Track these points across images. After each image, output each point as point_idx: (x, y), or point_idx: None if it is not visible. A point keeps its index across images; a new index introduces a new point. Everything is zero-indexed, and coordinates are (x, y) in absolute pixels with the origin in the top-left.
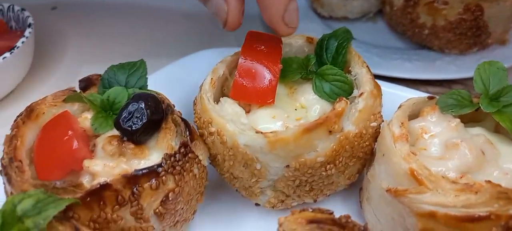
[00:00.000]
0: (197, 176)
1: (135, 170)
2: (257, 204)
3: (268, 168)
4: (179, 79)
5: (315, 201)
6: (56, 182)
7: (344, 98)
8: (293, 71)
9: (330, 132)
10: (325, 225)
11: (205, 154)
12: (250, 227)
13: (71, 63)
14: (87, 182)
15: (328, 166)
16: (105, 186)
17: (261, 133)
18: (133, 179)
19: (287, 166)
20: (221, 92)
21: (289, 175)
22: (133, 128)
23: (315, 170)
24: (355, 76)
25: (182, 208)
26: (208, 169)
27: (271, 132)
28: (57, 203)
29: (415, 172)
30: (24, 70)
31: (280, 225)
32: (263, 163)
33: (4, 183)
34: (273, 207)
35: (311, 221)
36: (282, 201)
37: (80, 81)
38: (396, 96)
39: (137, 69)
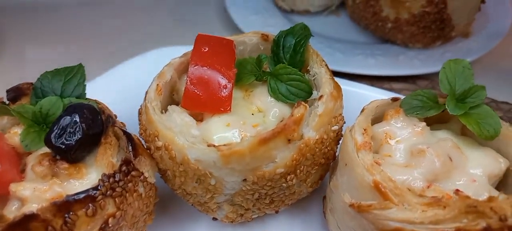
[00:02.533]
0: (143, 195)
1: (67, 196)
2: (214, 219)
3: (223, 183)
4: (124, 84)
5: (276, 212)
6: None
7: (303, 103)
8: (247, 74)
9: (289, 140)
10: None
11: (152, 170)
12: None
13: (5, 69)
14: (15, 210)
15: (288, 177)
16: (31, 217)
17: (214, 146)
18: (64, 206)
19: (244, 180)
20: (170, 97)
21: (247, 188)
22: (66, 145)
23: (274, 182)
24: (314, 76)
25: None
26: (160, 183)
27: (224, 145)
28: None
29: (379, 185)
30: None
31: None
32: (218, 178)
33: None
34: (232, 222)
35: None
36: (242, 215)
37: (7, 91)
38: (358, 95)
39: (74, 75)
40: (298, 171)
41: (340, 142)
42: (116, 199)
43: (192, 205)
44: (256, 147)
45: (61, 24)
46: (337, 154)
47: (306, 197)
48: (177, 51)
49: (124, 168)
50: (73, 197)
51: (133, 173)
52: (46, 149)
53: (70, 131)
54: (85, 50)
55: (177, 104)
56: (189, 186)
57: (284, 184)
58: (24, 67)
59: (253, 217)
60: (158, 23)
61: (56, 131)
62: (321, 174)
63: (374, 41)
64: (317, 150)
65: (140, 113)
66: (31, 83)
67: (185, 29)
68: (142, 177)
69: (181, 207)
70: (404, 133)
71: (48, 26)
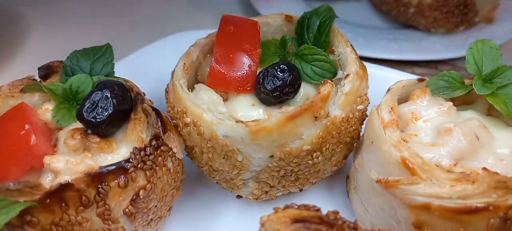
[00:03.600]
0: (172, 170)
1: (100, 167)
2: (238, 196)
3: (250, 159)
4: (149, 65)
5: (300, 190)
6: (10, 183)
7: (329, 81)
8: (271, 54)
9: (315, 117)
10: (311, 224)
11: (180, 146)
12: (232, 221)
13: (32, 50)
14: (48, 182)
15: (314, 154)
16: (66, 186)
17: (242, 122)
18: (98, 177)
19: (271, 156)
20: (195, 78)
21: (273, 165)
22: (98, 119)
23: (300, 158)
24: (339, 56)
25: (156, 206)
26: (185, 161)
27: (252, 121)
28: (10, 208)
29: (407, 161)
30: None
31: (262, 225)
32: (245, 154)
33: None
34: (257, 199)
35: (296, 220)
36: (266, 192)
37: (39, 68)
38: (382, 78)
39: (102, 54)
40: (324, 148)
41: (365, 121)
42: (147, 172)
43: (217, 182)
44: (284, 123)
45: (86, 9)
46: (361, 133)
47: (330, 177)
48: (199, 35)
49: (154, 142)
50: (106, 168)
51: (162, 148)
52: (77, 124)
53: (101, 106)
54: (110, 35)
55: (202, 84)
56: (216, 162)
57: (309, 161)
58: (53, 48)
59: (277, 195)
60: (179, 8)
61: (87, 105)
62: (346, 153)
63: (396, 26)
64: (342, 128)
65: (167, 92)
66: (61, 61)
67: (206, 14)
68: (170, 152)
69: (206, 184)
70: (430, 113)
71: (73, 11)
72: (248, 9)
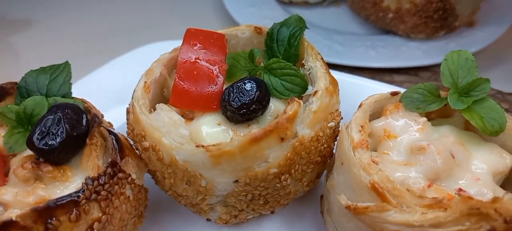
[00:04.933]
0: (131, 198)
1: (48, 201)
2: (208, 220)
3: (214, 184)
4: (112, 82)
5: (272, 212)
6: None
7: (296, 99)
8: (240, 69)
9: (282, 139)
10: None
11: (140, 172)
12: None
13: None
14: None
15: (282, 177)
16: (9, 224)
17: (202, 146)
18: (46, 212)
19: (236, 181)
20: (161, 95)
21: (239, 189)
22: (49, 146)
23: (268, 182)
24: (309, 70)
25: None
26: (151, 184)
27: (213, 145)
28: None
29: (376, 185)
30: None
31: None
32: (208, 179)
33: None
34: (226, 223)
35: None
36: (236, 216)
37: None
38: (358, 88)
39: (60, 73)
40: (293, 170)
41: (337, 139)
42: (101, 203)
43: (185, 206)
44: (247, 146)
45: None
46: (334, 151)
47: (303, 196)
48: (168, 47)
49: (109, 170)
50: (54, 202)
51: (119, 175)
52: (30, 151)
53: (53, 131)
54: (73, 48)
55: (167, 102)
56: (179, 187)
57: (278, 184)
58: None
59: (248, 217)
60: (151, 17)
61: (38, 132)
62: (318, 172)
63: (375, 32)
64: (312, 148)
65: (128, 112)
66: (16, 82)
67: (180, 23)
68: (129, 179)
69: (174, 209)
70: (404, 129)
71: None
72: (224, 17)
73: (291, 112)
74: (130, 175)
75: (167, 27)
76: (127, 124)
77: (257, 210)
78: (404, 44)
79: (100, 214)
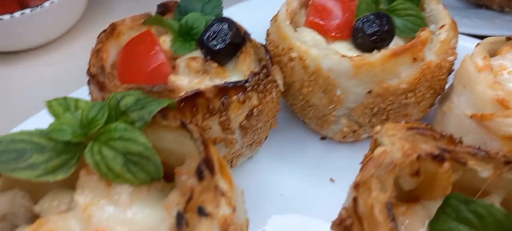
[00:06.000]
0: (274, 100)
1: (225, 82)
2: (322, 138)
3: (348, 94)
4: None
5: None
6: (153, 86)
7: (427, 28)
8: (363, 10)
9: (414, 59)
10: (426, 131)
11: (281, 81)
12: (318, 158)
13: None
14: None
15: (408, 94)
16: (198, 93)
17: (347, 57)
18: (223, 90)
19: (369, 92)
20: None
21: (368, 101)
22: (218, 47)
23: (396, 97)
24: (430, 13)
25: (261, 128)
26: None
27: (357, 56)
28: (158, 101)
29: (502, 98)
30: (80, 8)
31: (377, 132)
32: (345, 89)
33: (90, 93)
34: (343, 137)
35: (411, 128)
36: (354, 131)
37: (158, 6)
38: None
39: None
40: (417, 90)
41: (457, 68)
42: (259, 94)
43: (305, 122)
44: (387, 59)
45: None
46: (447, 86)
47: None
48: None
49: (264, 70)
50: (230, 83)
51: (269, 77)
52: (191, 55)
53: (221, 36)
54: None
55: None
56: (315, 96)
57: (403, 101)
58: None
59: (363, 136)
60: None
61: (208, 34)
62: (432, 102)
63: (468, 6)
64: (435, 74)
65: (268, 34)
66: (176, 1)
67: None
68: (275, 84)
69: (293, 126)
70: None
71: None
72: None
73: (424, 37)
74: (276, 80)
75: None
76: (268, 44)
77: (375, 127)
78: (498, 17)
79: (258, 103)
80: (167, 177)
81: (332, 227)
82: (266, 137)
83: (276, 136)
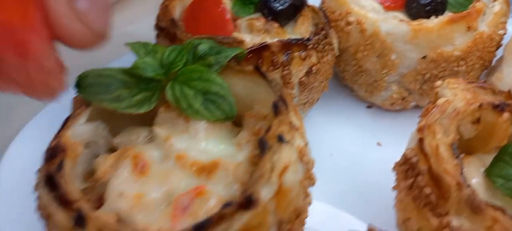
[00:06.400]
0: (329, 62)
1: (289, 38)
2: (369, 107)
3: (402, 59)
4: None
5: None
6: (223, 37)
7: (481, 0)
8: None
9: (468, 28)
10: (485, 85)
11: (337, 45)
12: (361, 125)
13: None
14: None
15: (460, 62)
16: (265, 46)
17: (405, 21)
18: (287, 45)
19: (423, 57)
20: None
21: (421, 67)
22: (279, 8)
23: (448, 63)
24: None
25: (316, 88)
26: None
27: (414, 21)
28: (231, 48)
29: None
30: None
31: (438, 86)
32: (400, 53)
33: None
34: (392, 105)
35: (471, 82)
36: (403, 98)
37: None
38: None
39: None
40: (468, 59)
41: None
42: (318, 53)
43: (354, 91)
44: (444, 25)
45: None
46: (494, 61)
47: None
48: None
49: (323, 31)
50: (293, 39)
51: (326, 39)
52: (251, 16)
53: None
54: None
55: None
56: (368, 61)
57: (454, 68)
58: None
59: (411, 104)
60: None
61: None
62: (479, 73)
63: None
64: (486, 44)
65: (323, 2)
66: None
67: None
68: (331, 47)
69: (338, 95)
70: None
71: None
72: None
73: (479, 7)
74: (332, 44)
75: None
76: (325, 10)
77: (423, 95)
78: None
79: (317, 61)
80: (234, 122)
81: (394, 168)
82: (317, 99)
83: (325, 102)
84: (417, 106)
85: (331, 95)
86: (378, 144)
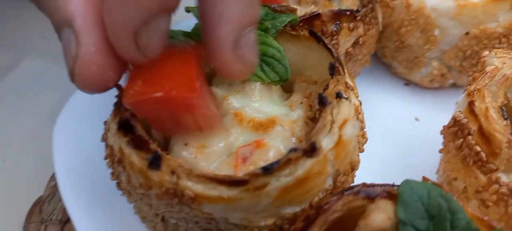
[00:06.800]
0: (374, 36)
1: (340, 8)
2: (406, 84)
3: (445, 35)
4: None
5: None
6: (275, 5)
7: None
8: None
9: None
10: None
11: (381, 19)
12: (399, 100)
13: None
14: None
15: (502, 39)
16: (316, 15)
17: None
18: (337, 15)
19: (466, 34)
20: None
21: (463, 44)
22: None
23: (490, 40)
24: None
25: (360, 60)
26: None
27: None
28: (286, 14)
29: None
30: None
31: (485, 56)
32: (443, 29)
33: None
34: (431, 81)
35: None
36: (442, 75)
37: None
38: None
39: None
40: (510, 36)
41: None
42: (365, 26)
43: (391, 68)
44: (489, 2)
45: None
46: None
47: None
48: None
49: (370, 5)
50: (343, 10)
51: (373, 13)
52: None
53: None
54: None
55: None
56: (411, 36)
57: (496, 45)
58: None
59: (449, 82)
60: None
61: None
62: None
63: None
64: None
65: None
66: None
67: None
68: (376, 21)
69: (372, 77)
70: None
71: None
72: None
73: None
74: (377, 18)
75: None
76: None
77: (463, 72)
78: None
79: (363, 33)
80: (284, 87)
81: (441, 131)
82: (359, 73)
83: (364, 77)
84: (454, 85)
85: (370, 71)
86: (416, 119)
